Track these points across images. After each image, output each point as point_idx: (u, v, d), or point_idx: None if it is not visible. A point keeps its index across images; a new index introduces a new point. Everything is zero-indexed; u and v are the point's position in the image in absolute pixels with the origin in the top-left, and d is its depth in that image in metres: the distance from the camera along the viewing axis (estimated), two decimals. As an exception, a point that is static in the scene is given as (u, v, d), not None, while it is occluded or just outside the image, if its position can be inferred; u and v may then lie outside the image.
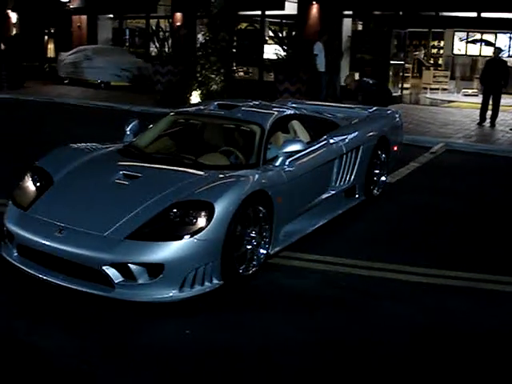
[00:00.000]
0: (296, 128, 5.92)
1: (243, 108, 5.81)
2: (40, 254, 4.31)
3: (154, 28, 17.03)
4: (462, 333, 4.01)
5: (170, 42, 15.69)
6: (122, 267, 4.04)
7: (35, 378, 3.37)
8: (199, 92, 14.26)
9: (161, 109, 12.49)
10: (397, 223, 6.31)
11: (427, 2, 15.86)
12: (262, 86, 16.82)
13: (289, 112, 6.04)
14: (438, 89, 18.83)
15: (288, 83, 14.16)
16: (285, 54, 14.46)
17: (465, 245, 5.72)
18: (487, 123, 12.77)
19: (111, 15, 23.20)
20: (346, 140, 6.25)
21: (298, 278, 4.77)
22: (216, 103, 5.99)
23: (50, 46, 25.76)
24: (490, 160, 9.89)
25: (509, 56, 19.59)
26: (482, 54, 20.87)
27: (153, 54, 17.86)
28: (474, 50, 21.60)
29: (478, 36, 21.38)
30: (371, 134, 6.73)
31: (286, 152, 5.13)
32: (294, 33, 15.23)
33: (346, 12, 17.13)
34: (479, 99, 13.52)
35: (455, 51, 21.81)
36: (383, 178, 7.05)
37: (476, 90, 17.89)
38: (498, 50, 13.44)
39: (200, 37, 16.90)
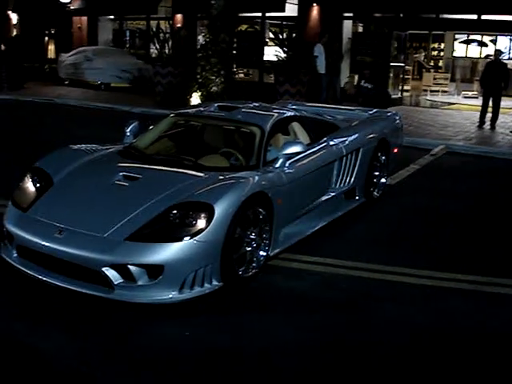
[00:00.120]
0: (296, 130, 5.92)
1: (243, 110, 5.81)
2: (40, 255, 4.30)
3: (154, 29, 17.03)
4: (462, 334, 4.01)
5: (170, 43, 15.67)
6: (121, 268, 4.04)
7: (35, 380, 3.37)
8: (199, 93, 14.28)
9: (161, 110, 12.49)
10: (397, 225, 6.31)
11: (428, 4, 15.85)
12: (262, 87, 16.80)
13: (289, 114, 6.03)
14: (438, 91, 18.81)
15: (288, 85, 14.14)
16: (285, 55, 14.43)
17: (465, 247, 5.72)
18: (487, 125, 12.77)
19: (112, 16, 23.21)
20: (346, 142, 6.25)
21: (298, 280, 4.76)
22: (216, 105, 6.00)
23: (51, 47, 25.75)
24: (490, 162, 9.89)
25: (509, 58, 19.61)
26: (482, 56, 20.88)
27: (153, 55, 17.84)
28: (474, 51, 21.62)
29: (478, 37, 21.40)
30: (371, 136, 6.73)
31: (286, 154, 5.13)
32: (294, 34, 15.19)
33: (347, 14, 17.13)
34: (479, 101, 13.52)
35: (456, 53, 21.81)
36: (383, 180, 7.05)
37: (476, 92, 17.87)
38: (498, 53, 13.45)
39: (200, 38, 16.92)
